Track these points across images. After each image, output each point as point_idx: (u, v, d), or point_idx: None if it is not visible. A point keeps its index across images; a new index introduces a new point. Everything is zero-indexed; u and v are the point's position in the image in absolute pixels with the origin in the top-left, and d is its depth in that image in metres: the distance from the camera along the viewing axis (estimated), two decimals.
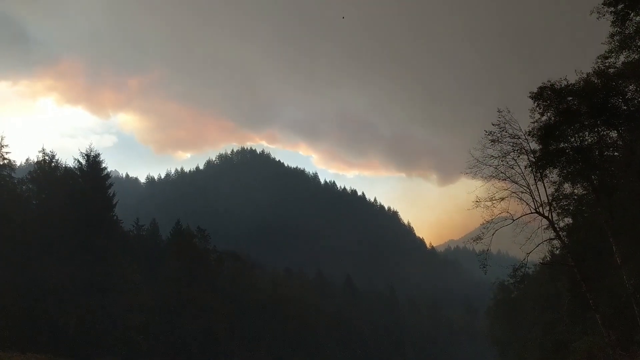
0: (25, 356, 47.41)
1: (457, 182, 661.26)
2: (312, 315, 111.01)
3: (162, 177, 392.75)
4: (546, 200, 36.23)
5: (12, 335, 50.06)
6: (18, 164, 71.81)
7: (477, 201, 36.43)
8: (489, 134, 36.27)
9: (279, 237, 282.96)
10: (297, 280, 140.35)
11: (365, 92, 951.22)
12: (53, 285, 54.59)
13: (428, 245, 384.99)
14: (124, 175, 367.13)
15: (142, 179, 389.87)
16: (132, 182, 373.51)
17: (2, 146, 65.46)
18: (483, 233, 36.14)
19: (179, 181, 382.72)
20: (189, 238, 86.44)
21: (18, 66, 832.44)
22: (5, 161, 65.92)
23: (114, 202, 71.01)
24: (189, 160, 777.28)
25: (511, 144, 36.41)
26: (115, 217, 71.22)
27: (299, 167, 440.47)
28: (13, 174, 66.72)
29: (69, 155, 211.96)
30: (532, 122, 36.63)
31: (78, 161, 69.05)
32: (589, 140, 37.26)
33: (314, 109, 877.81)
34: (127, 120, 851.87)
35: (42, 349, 50.39)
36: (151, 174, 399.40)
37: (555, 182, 37.78)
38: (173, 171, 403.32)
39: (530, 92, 36.62)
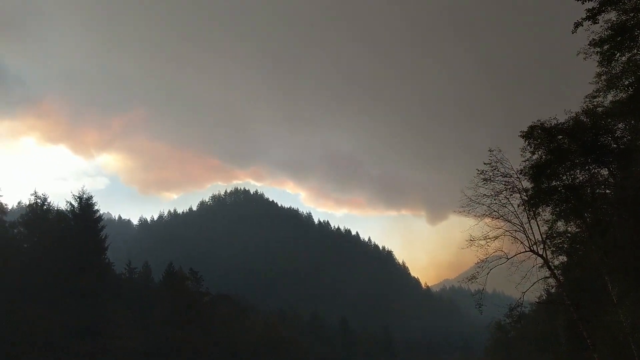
0: None
1: (448, 219, 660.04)
2: (307, 358, 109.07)
3: (155, 218, 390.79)
4: (540, 239, 36.20)
5: None
6: (10, 207, 71.49)
7: (470, 240, 36.35)
8: (480, 173, 36.49)
9: (273, 279, 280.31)
10: (291, 322, 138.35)
11: (352, 131, 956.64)
12: (43, 330, 53.50)
13: (423, 285, 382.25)
14: (116, 218, 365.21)
15: (135, 221, 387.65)
16: (125, 224, 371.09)
17: None
18: (478, 272, 35.92)
19: (172, 223, 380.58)
20: (182, 280, 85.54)
21: None
22: None
23: (105, 245, 70.49)
24: (176, 201, 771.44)
25: (503, 182, 36.59)
26: (107, 260, 70.62)
27: (292, 207, 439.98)
28: (4, 217, 66.46)
29: (58, 198, 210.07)
30: (524, 161, 36.99)
31: (70, 204, 68.82)
32: (581, 178, 37.54)
33: (300, 146, 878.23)
34: (111, 160, 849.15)
35: None
36: (144, 216, 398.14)
37: (548, 221, 37.85)
38: (166, 212, 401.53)
39: (520, 131, 37.07)
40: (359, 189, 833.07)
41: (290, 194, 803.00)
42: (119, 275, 79.18)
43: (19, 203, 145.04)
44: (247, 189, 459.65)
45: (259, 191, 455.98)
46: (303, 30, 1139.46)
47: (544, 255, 35.90)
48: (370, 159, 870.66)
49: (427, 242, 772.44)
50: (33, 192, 69.00)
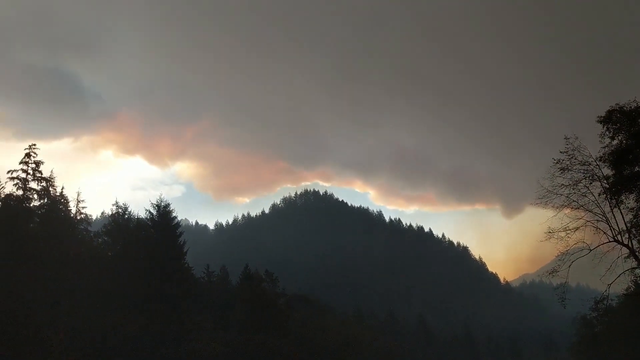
0: None
1: (524, 211, 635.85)
2: (385, 357, 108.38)
3: (230, 222, 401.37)
4: (625, 228, 34.53)
5: None
6: (94, 217, 75.46)
7: (549, 232, 35.22)
8: (557, 163, 35.20)
9: (347, 278, 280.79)
10: (368, 322, 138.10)
11: (419, 126, 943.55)
12: (129, 335, 55.99)
13: (502, 281, 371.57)
14: (193, 223, 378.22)
15: (211, 226, 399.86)
16: (201, 229, 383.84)
17: (79, 202, 69.39)
18: (559, 265, 34.87)
19: (246, 226, 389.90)
20: (258, 282, 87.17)
21: (78, 122, 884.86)
22: (82, 216, 69.75)
23: (185, 250, 72.68)
24: (248, 204, 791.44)
25: (582, 171, 35.16)
26: (186, 265, 72.76)
27: (362, 205, 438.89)
28: (89, 228, 70.34)
29: (137, 207, 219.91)
30: (603, 147, 35.30)
31: (149, 212, 71.47)
32: None
33: (366, 144, 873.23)
34: (185, 169, 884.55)
35: None
36: (219, 221, 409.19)
37: (633, 209, 35.86)
38: (240, 216, 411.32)
39: (598, 117, 35.39)
40: (429, 185, 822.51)
41: (359, 192, 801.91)
42: (198, 279, 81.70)
43: (102, 213, 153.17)
44: (316, 190, 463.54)
45: (328, 192, 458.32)
46: (365, 28, 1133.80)
47: (630, 245, 34.18)
48: (439, 154, 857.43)
49: (503, 236, 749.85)
50: (114, 202, 72.64)
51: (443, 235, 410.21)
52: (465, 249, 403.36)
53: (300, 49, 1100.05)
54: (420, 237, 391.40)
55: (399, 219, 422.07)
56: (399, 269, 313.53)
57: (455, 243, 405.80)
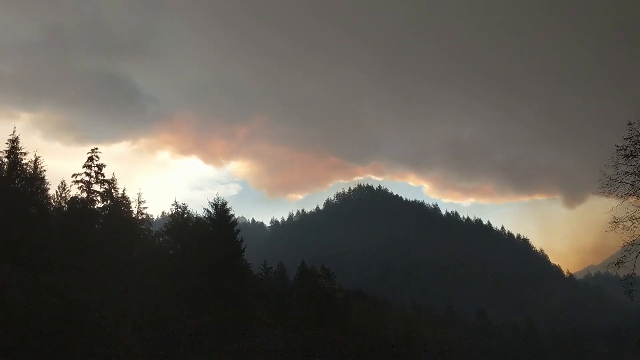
0: None
1: (587, 201, 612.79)
2: (445, 352, 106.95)
3: (285, 219, 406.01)
4: None
5: None
6: (155, 217, 77.79)
7: (614, 222, 33.83)
8: (620, 149, 33.61)
9: (404, 273, 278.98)
10: (427, 316, 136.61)
11: (473, 117, 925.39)
12: (191, 332, 57.30)
13: (565, 273, 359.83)
14: (250, 221, 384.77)
15: (267, 223, 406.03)
16: (258, 226, 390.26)
17: (140, 202, 71.64)
18: (625, 256, 33.48)
19: (301, 222, 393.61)
20: (315, 278, 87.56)
21: (135, 125, 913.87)
22: (144, 216, 72.01)
23: (242, 247, 73.75)
24: (302, 201, 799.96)
25: None
26: (245, 262, 73.81)
27: (417, 199, 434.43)
28: (151, 227, 72.57)
29: (196, 206, 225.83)
30: None
31: (207, 211, 72.84)
32: None
33: (419, 136, 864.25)
34: (239, 167, 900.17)
35: None
36: (275, 218, 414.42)
37: None
38: (295, 213, 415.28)
39: None
40: (486, 176, 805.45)
41: (413, 186, 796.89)
42: (256, 275, 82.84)
43: (162, 213, 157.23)
44: (369, 184, 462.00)
45: (381, 186, 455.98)
46: (415, 19, 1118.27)
47: None
48: (495, 144, 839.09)
49: (565, 227, 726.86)
50: (174, 202, 74.57)
51: (502, 227, 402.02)
52: (526, 241, 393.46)
53: (350, 42, 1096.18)
54: (478, 230, 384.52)
55: (456, 212, 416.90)
56: (457, 262, 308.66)
57: (515, 235, 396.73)
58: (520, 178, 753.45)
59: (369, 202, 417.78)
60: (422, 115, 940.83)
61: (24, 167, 61.03)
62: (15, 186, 60.10)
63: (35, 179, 61.98)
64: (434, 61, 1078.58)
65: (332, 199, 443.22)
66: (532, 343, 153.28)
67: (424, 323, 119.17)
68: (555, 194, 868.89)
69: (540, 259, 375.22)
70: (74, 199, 63.67)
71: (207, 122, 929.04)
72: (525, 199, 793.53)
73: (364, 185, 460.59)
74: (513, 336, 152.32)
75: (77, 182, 62.89)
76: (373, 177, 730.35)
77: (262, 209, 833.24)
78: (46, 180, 64.03)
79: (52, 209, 66.32)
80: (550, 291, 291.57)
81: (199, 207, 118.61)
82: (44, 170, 63.21)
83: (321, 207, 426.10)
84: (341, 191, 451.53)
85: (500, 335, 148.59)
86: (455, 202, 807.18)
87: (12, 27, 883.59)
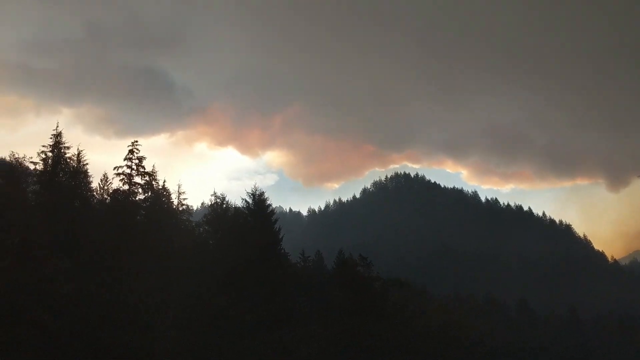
0: None
1: (632, 184, 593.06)
2: (485, 341, 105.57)
3: (322, 208, 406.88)
4: None
5: None
6: (194, 208, 79.13)
7: None
8: None
9: (444, 261, 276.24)
10: (466, 304, 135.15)
11: (512, 101, 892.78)
12: (235, 321, 58.10)
13: (609, 259, 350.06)
14: (287, 210, 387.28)
15: (304, 212, 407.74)
16: (295, 215, 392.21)
17: (180, 194, 72.89)
18: None
19: (338, 211, 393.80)
20: (353, 267, 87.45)
21: (172, 118, 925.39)
22: (184, 207, 73.36)
23: (280, 237, 74.30)
24: (338, 190, 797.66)
25: None
26: (283, 251, 74.39)
27: (455, 186, 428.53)
28: (191, 218, 73.90)
29: (234, 196, 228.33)
30: None
31: (245, 201, 73.63)
32: None
33: (456, 122, 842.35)
34: (275, 157, 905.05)
35: None
36: (312, 207, 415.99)
37: None
38: (331, 202, 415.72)
39: None
40: (526, 161, 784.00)
41: (451, 173, 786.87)
42: (294, 264, 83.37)
43: (202, 204, 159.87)
44: (406, 172, 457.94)
45: (419, 174, 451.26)
46: (449, 5, 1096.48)
47: None
48: (535, 129, 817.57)
49: (609, 211, 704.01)
50: (213, 193, 75.67)
51: (543, 213, 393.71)
52: (568, 227, 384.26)
53: (384, 29, 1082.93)
54: (518, 217, 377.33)
55: (496, 198, 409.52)
56: (497, 250, 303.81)
57: (557, 221, 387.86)
58: (561, 162, 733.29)
59: (406, 189, 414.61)
60: (459, 100, 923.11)
61: (68, 161, 62.72)
62: (59, 180, 61.84)
63: (78, 173, 63.64)
64: (470, 46, 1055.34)
65: (369, 187, 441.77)
66: (576, 331, 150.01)
67: (464, 312, 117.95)
68: (598, 178, 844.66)
69: (584, 245, 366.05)
70: (116, 191, 65.19)
71: (242, 113, 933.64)
72: (567, 184, 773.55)
73: (400, 173, 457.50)
74: (556, 325, 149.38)
75: (118, 174, 64.37)
76: (409, 165, 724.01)
77: (299, 198, 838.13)
78: (89, 174, 65.72)
79: (95, 201, 68.09)
80: (594, 278, 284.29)
81: (237, 197, 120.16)
82: (87, 164, 64.89)
83: (358, 196, 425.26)
84: (377, 179, 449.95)
85: (543, 324, 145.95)
86: (495, 188, 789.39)
87: (55, 24, 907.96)
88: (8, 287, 42.89)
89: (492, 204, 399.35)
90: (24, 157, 58.73)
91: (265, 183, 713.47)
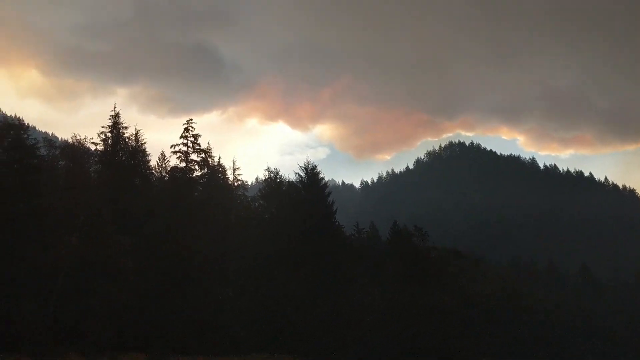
0: (274, 357, 52.73)
1: None
2: (545, 308, 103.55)
3: (375, 180, 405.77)
4: None
5: (256, 337, 55.64)
6: (249, 183, 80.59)
7: None
8: None
9: (502, 230, 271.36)
10: (526, 273, 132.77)
11: (571, 62, 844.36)
12: (290, 292, 59.30)
13: None
14: (340, 183, 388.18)
15: (357, 185, 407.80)
16: (348, 188, 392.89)
17: (235, 169, 74.26)
18: None
19: (391, 183, 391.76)
20: (408, 237, 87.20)
21: (223, 94, 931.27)
22: (239, 182, 74.80)
23: (334, 209, 74.69)
24: (390, 162, 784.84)
25: None
26: (337, 223, 74.86)
27: (512, 153, 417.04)
28: (246, 193, 75.32)
29: (287, 170, 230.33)
30: None
31: (298, 175, 74.21)
32: None
33: (511, 86, 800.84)
34: (326, 130, 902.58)
35: (285, 350, 55.14)
36: (364, 179, 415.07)
37: None
38: (384, 174, 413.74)
39: None
40: (586, 125, 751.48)
41: (506, 140, 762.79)
42: (349, 236, 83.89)
43: (256, 179, 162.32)
44: (460, 141, 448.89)
45: (474, 142, 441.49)
46: None
47: None
48: (596, 91, 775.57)
49: None
50: (266, 168, 76.66)
51: (605, 178, 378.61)
52: (633, 192, 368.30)
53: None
54: (579, 183, 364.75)
55: (554, 164, 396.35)
56: (557, 217, 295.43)
57: (620, 186, 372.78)
58: (625, 125, 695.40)
59: (461, 159, 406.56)
60: (513, 64, 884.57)
61: (127, 140, 64.83)
62: (119, 159, 64.10)
63: (137, 152, 65.76)
64: (525, 6, 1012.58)
65: (422, 157, 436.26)
66: None
67: (523, 280, 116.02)
68: None
69: None
70: (174, 168, 67.09)
71: (291, 87, 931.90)
72: (631, 147, 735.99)
73: (455, 142, 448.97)
74: (621, 290, 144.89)
75: (175, 152, 66.12)
76: (463, 133, 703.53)
77: (351, 171, 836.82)
78: (147, 152, 67.77)
79: (154, 179, 70.30)
80: None
81: (290, 171, 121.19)
82: (144, 143, 66.90)
83: (411, 167, 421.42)
84: (430, 149, 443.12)
85: (607, 292, 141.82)
86: (553, 154, 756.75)
87: (105, 6, 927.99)
88: (77, 264, 45.26)
89: (551, 171, 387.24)
90: (85, 138, 60.91)
91: (316, 156, 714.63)
